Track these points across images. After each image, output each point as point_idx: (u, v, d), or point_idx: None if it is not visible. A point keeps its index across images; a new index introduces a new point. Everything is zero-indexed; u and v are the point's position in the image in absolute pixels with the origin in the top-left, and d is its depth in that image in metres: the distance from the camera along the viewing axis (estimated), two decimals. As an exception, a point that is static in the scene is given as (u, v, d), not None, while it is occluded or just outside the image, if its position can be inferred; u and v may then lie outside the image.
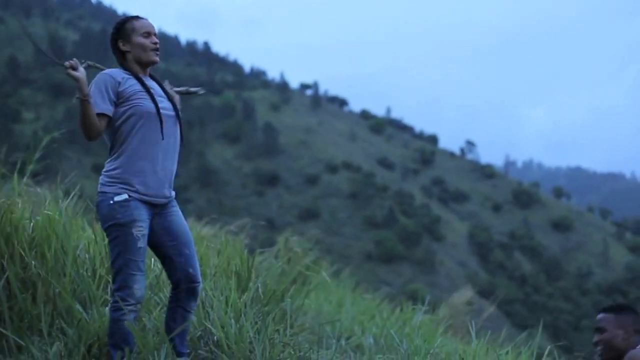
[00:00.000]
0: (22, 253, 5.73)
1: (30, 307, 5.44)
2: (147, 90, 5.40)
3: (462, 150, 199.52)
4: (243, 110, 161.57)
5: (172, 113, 5.58)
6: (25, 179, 7.32)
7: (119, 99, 5.30)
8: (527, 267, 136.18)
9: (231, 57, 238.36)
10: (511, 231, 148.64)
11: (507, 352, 8.24)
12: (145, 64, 5.52)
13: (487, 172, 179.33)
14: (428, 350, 7.13)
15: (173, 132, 5.59)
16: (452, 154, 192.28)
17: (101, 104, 5.19)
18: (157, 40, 5.55)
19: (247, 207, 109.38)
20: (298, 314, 8.44)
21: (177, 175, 5.74)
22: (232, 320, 5.92)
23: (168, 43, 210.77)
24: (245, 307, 6.39)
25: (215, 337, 5.90)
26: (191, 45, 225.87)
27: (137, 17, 5.58)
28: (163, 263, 5.56)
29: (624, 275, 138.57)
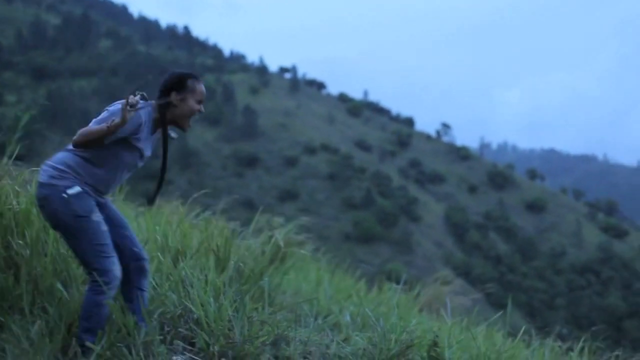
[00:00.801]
0: (6, 233, 5.71)
1: (12, 286, 5.42)
2: (141, 151, 5.35)
3: (438, 132, 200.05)
4: (223, 93, 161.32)
5: (145, 161, 5.52)
6: (8, 160, 7.27)
7: (124, 137, 5.19)
8: (502, 247, 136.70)
9: (211, 41, 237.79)
10: (486, 212, 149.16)
11: (481, 331, 8.27)
12: (177, 125, 5.51)
13: (462, 154, 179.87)
14: (404, 328, 7.13)
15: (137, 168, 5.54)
16: (428, 137, 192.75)
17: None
18: (202, 110, 5.55)
19: (227, 188, 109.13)
20: (277, 293, 8.45)
21: (157, 157, 5.73)
22: (212, 299, 5.92)
23: (149, 27, 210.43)
24: (225, 285, 6.38)
25: (194, 316, 5.89)
26: (172, 29, 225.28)
27: (199, 79, 5.53)
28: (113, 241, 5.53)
29: (597, 255, 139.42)
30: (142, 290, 5.52)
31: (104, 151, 5.18)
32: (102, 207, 5.40)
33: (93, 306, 5.07)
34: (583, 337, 8.50)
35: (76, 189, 5.11)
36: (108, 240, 5.21)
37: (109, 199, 5.56)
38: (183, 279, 6.22)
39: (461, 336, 8.15)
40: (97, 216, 5.19)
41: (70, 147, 5.20)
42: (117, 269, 5.19)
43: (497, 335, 8.76)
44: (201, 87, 5.49)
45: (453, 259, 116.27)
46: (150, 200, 5.82)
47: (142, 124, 5.21)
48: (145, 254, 5.57)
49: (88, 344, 4.96)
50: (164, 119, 5.38)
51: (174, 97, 5.33)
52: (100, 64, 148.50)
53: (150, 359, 4.97)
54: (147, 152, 5.40)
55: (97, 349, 4.72)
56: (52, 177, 5.10)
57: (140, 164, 5.43)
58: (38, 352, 4.32)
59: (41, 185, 5.13)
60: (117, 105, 5.14)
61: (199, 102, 5.46)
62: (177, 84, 5.36)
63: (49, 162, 5.18)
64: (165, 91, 5.36)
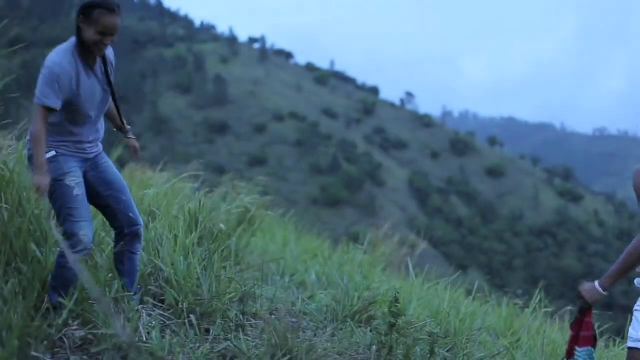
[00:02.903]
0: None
1: (-14, 247, 5.38)
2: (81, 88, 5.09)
3: (402, 101, 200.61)
4: (194, 62, 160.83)
5: (102, 95, 5.30)
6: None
7: (65, 93, 4.96)
8: (463, 211, 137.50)
9: (182, 12, 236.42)
10: (448, 177, 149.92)
11: (443, 288, 8.33)
12: (91, 51, 5.11)
13: (425, 122, 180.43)
14: (367, 286, 7.18)
15: (102, 105, 5.34)
16: (392, 105, 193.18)
17: (54, 100, 4.88)
18: (107, 42, 5.10)
19: (198, 154, 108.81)
20: (245, 253, 8.46)
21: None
22: (181, 258, 5.92)
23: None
24: (194, 245, 6.38)
25: (164, 274, 5.89)
26: (144, 0, 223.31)
27: (113, 12, 5.03)
28: (104, 213, 5.48)
29: (554, 218, 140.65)
30: (134, 253, 5.47)
31: (60, 116, 5.06)
32: (96, 168, 5.33)
33: (59, 268, 5.03)
34: (537, 295, 8.58)
35: (51, 153, 5.03)
36: (79, 204, 5.10)
37: (107, 159, 5.45)
38: (153, 239, 6.21)
39: (422, 294, 8.22)
40: (72, 180, 5.09)
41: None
42: (83, 234, 5.06)
43: (457, 294, 8.82)
44: (107, 20, 4.99)
45: (416, 222, 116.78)
46: (120, 128, 5.73)
47: (64, 74, 4.96)
48: (140, 220, 5.51)
49: (55, 300, 4.94)
50: (79, 46, 5.10)
51: (80, 22, 5.01)
52: (74, 34, 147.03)
53: (121, 315, 4.97)
54: (96, 92, 5.19)
55: (69, 304, 4.70)
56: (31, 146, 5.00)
57: (104, 97, 5.27)
58: (11, 309, 4.29)
59: (28, 154, 5.09)
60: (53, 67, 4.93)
61: (102, 33, 4.99)
62: (85, 10, 4.99)
63: (30, 130, 5.02)
64: (78, 17, 5.05)
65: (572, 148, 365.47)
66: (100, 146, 5.42)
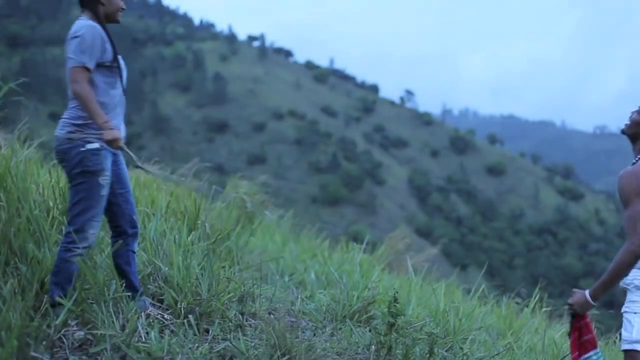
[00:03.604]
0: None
1: (-15, 248, 5.38)
2: (115, 50, 5.38)
3: (401, 99, 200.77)
4: (193, 61, 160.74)
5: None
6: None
7: (101, 53, 5.23)
8: (463, 209, 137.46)
9: (181, 10, 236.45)
10: (448, 175, 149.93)
11: (440, 287, 8.33)
12: (110, 22, 5.48)
13: (425, 120, 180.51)
14: (366, 286, 7.18)
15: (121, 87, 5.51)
16: (392, 103, 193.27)
17: (88, 59, 5.12)
18: (125, 7, 5.58)
19: (197, 153, 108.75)
20: (244, 252, 8.47)
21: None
22: (180, 258, 5.93)
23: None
24: (193, 245, 6.39)
25: (163, 274, 5.90)
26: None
27: None
28: (108, 210, 5.45)
29: (554, 217, 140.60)
30: (134, 252, 5.53)
31: (94, 83, 5.20)
32: (116, 163, 5.41)
33: (62, 262, 5.05)
34: (536, 294, 8.59)
35: (94, 145, 5.12)
36: (99, 204, 5.19)
37: (122, 157, 5.53)
38: (153, 238, 6.22)
39: (421, 293, 8.22)
40: (104, 179, 5.17)
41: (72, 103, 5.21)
42: (92, 234, 5.16)
43: (456, 293, 8.83)
44: None
45: (416, 220, 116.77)
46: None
47: (103, 40, 5.26)
48: (137, 222, 5.61)
49: (57, 298, 4.94)
50: (99, 18, 5.39)
51: None
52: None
53: (119, 315, 4.98)
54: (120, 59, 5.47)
55: (68, 304, 4.71)
56: (71, 132, 5.11)
57: (123, 74, 5.48)
58: (10, 309, 4.30)
59: (59, 140, 5.14)
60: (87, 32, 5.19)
61: None
62: None
63: (65, 118, 5.17)
64: None
65: (572, 146, 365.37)
66: None
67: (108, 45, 5.27)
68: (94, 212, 5.12)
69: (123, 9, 5.54)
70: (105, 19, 5.43)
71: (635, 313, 4.99)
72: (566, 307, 4.97)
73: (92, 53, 5.14)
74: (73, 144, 5.06)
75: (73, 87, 5.05)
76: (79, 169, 5.06)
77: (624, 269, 4.77)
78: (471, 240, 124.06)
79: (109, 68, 5.30)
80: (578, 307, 4.88)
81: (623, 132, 5.26)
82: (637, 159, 5.05)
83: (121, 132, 5.29)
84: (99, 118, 4.99)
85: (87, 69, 5.11)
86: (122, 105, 5.43)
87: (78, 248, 5.03)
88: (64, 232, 5.14)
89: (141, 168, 5.31)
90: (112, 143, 5.03)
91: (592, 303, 4.84)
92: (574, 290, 4.96)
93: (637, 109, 5.19)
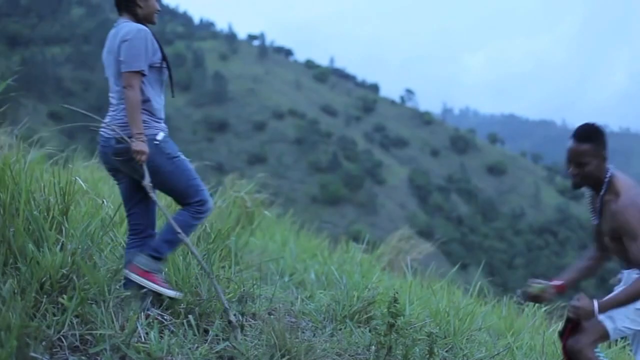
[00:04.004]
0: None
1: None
2: (163, 51, 5.61)
3: (402, 98, 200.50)
4: (193, 60, 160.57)
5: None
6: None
7: (153, 54, 5.47)
8: (464, 209, 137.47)
9: (181, 9, 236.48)
10: (448, 175, 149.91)
11: (440, 287, 8.34)
12: (147, 23, 5.64)
13: (425, 119, 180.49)
14: (366, 286, 7.19)
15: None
16: (392, 102, 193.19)
17: (143, 64, 5.34)
18: (160, 9, 5.76)
19: (197, 152, 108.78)
20: (244, 252, 8.47)
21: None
22: (180, 258, 5.94)
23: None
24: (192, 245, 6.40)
25: (163, 274, 5.91)
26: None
27: None
28: (132, 207, 5.64)
29: (554, 216, 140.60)
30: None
31: (146, 86, 5.45)
32: None
33: (187, 226, 5.44)
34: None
35: (162, 135, 5.46)
36: (197, 174, 5.61)
37: None
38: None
39: (421, 293, 8.22)
40: (183, 155, 5.61)
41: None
42: (212, 201, 5.72)
43: (456, 293, 8.83)
44: None
45: (416, 220, 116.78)
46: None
47: (152, 42, 5.47)
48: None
49: (164, 253, 5.47)
50: (139, 20, 5.59)
51: (139, 1, 5.58)
52: (73, 32, 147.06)
53: (119, 315, 4.99)
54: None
55: (71, 305, 4.72)
56: None
57: (164, 75, 5.70)
58: (9, 309, 4.31)
59: (119, 141, 5.32)
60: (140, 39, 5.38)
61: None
62: None
63: (122, 119, 5.37)
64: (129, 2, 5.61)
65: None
66: None
67: (156, 46, 5.46)
68: (200, 182, 5.61)
69: (159, 10, 5.71)
70: (144, 20, 5.61)
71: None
72: (569, 307, 4.93)
73: (144, 56, 5.35)
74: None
75: (127, 92, 5.25)
76: (164, 157, 5.41)
77: (637, 297, 4.81)
78: (472, 239, 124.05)
79: (158, 69, 5.53)
80: (583, 312, 4.83)
81: (575, 187, 5.24)
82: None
83: (164, 130, 5.55)
84: (137, 128, 5.21)
85: (141, 74, 5.33)
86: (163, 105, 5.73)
87: (207, 213, 5.64)
88: (183, 206, 5.61)
89: (146, 188, 5.36)
90: (137, 153, 5.19)
91: (597, 315, 4.83)
92: (581, 294, 4.91)
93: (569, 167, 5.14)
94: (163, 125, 5.57)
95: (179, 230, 5.33)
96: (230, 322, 5.34)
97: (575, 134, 5.02)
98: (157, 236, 5.59)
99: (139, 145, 5.17)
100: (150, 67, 5.42)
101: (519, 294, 5.30)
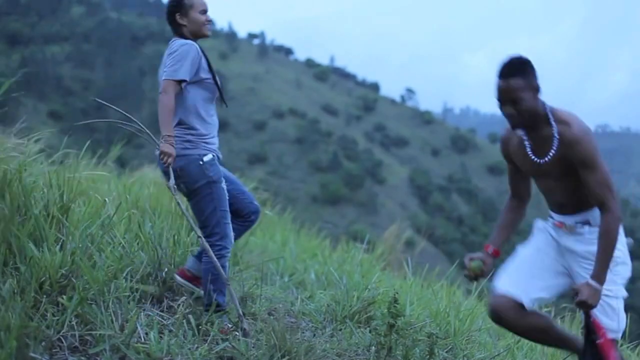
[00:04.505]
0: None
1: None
2: (211, 66, 5.71)
3: (402, 97, 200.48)
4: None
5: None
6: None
7: (196, 73, 5.57)
8: (464, 209, 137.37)
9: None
10: (449, 175, 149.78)
11: (440, 287, 8.34)
12: (199, 37, 5.77)
13: (426, 119, 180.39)
14: (366, 286, 7.19)
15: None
16: (393, 101, 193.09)
17: (184, 74, 5.46)
18: (210, 18, 5.80)
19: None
20: (243, 252, 8.48)
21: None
22: (180, 258, 5.94)
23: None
24: (192, 245, 6.41)
25: (162, 274, 5.91)
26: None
27: None
28: (230, 204, 5.75)
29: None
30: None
31: (187, 101, 5.57)
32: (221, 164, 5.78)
33: (219, 269, 5.42)
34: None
35: (209, 157, 5.54)
36: (228, 208, 5.61)
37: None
38: (152, 238, 6.22)
39: (422, 293, 8.22)
40: (224, 184, 5.64)
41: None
42: (232, 236, 5.67)
43: (457, 293, 8.83)
44: (199, 0, 5.71)
45: (417, 220, 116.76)
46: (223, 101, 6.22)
47: (199, 56, 5.61)
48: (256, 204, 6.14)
49: (224, 303, 5.56)
50: (187, 38, 5.68)
51: (179, 19, 5.67)
52: (73, 30, 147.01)
53: (119, 315, 4.99)
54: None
55: (71, 305, 4.72)
56: (185, 148, 5.45)
57: (215, 91, 5.81)
58: (9, 309, 4.31)
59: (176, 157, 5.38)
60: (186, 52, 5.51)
61: (203, 12, 5.72)
62: (176, 6, 5.68)
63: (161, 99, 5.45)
64: (171, 17, 5.71)
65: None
66: None
67: (203, 61, 5.56)
68: (227, 216, 5.59)
69: (209, 21, 5.77)
70: (193, 36, 5.72)
71: (617, 298, 4.85)
72: (577, 305, 4.71)
73: (186, 67, 5.45)
74: (189, 160, 5.43)
75: (160, 96, 5.38)
76: (205, 181, 5.47)
77: (617, 240, 4.67)
78: (472, 239, 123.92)
79: (205, 84, 5.62)
80: (592, 299, 4.57)
81: (514, 128, 5.16)
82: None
83: (216, 146, 5.70)
84: (166, 130, 5.30)
85: (179, 83, 5.44)
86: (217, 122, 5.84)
87: (228, 249, 5.59)
88: (204, 243, 5.44)
89: (172, 192, 5.39)
90: (164, 155, 5.27)
91: (600, 289, 4.60)
92: (575, 287, 4.72)
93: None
94: (214, 147, 5.65)
95: (205, 244, 5.42)
96: (244, 329, 5.35)
97: (501, 72, 4.78)
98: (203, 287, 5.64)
99: (166, 147, 5.25)
100: (197, 82, 5.55)
101: (465, 276, 5.31)
